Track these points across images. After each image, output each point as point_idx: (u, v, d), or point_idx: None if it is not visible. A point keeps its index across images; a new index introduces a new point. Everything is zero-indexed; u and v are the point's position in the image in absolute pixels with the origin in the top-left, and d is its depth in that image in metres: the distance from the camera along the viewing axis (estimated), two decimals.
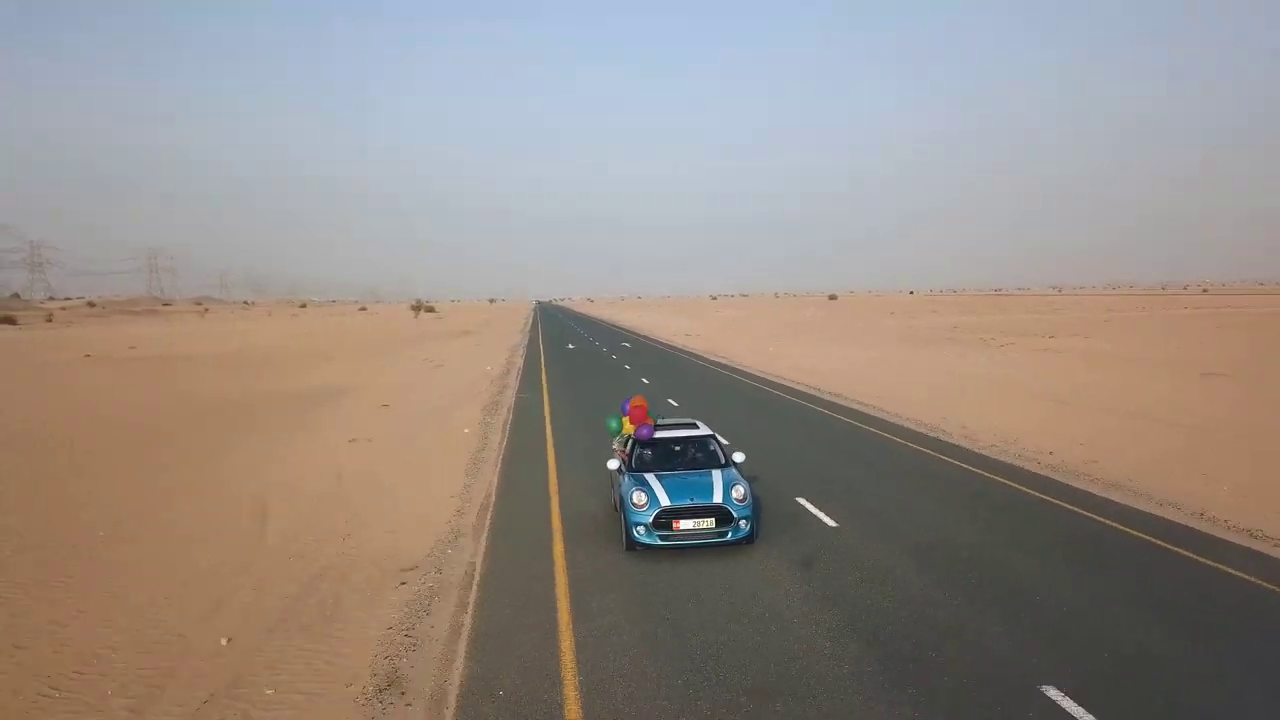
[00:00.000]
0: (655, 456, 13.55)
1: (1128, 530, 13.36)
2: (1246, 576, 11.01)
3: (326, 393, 37.12)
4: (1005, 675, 8.33)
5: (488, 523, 14.64)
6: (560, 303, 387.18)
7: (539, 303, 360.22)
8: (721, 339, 72.88)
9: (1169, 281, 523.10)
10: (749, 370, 43.57)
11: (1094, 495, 15.60)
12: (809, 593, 10.76)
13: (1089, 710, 7.57)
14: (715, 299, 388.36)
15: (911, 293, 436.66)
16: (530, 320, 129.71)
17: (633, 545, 12.24)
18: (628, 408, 14.46)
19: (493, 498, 16.43)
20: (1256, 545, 12.38)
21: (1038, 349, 52.40)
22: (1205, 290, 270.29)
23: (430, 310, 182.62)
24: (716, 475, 12.70)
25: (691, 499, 12.15)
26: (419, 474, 19.25)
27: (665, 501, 12.07)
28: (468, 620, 10.22)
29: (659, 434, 13.95)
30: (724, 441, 14.65)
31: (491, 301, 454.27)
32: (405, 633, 9.96)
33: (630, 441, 14.01)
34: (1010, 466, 18.40)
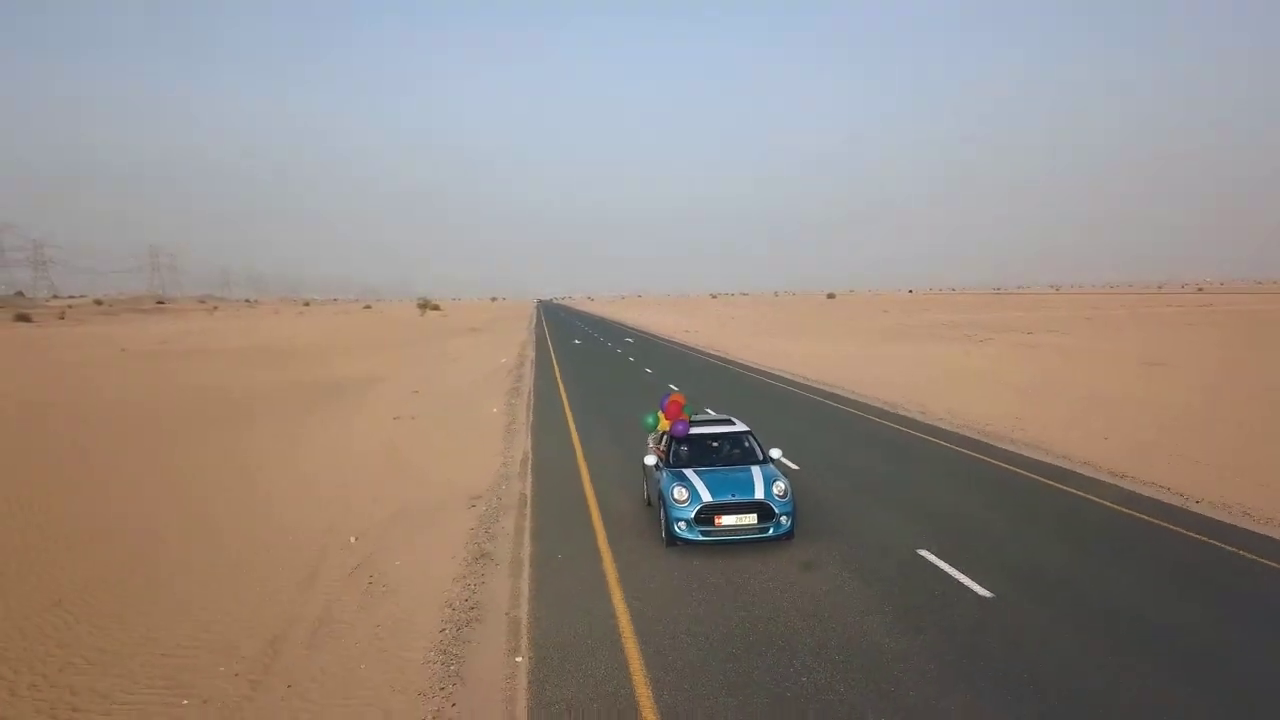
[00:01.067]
0: (693, 452, 13.58)
1: (1011, 468, 17.51)
2: (1080, 492, 15.20)
3: (361, 381, 41.19)
4: (892, 542, 12.47)
5: (529, 471, 18.75)
6: (561, 301, 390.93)
7: (540, 301, 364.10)
8: (719, 335, 76.97)
9: (1169, 281, 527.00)
10: (741, 361, 47.68)
11: (995, 448, 19.79)
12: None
13: (946, 559, 11.68)
14: (715, 297, 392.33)
15: (910, 291, 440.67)
16: (534, 318, 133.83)
17: (673, 541, 12.31)
18: (665, 404, 14.44)
19: (529, 455, 20.54)
20: (1096, 475, 16.67)
21: (1014, 344, 56.41)
22: (1200, 289, 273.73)
23: (435, 309, 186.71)
24: (756, 471, 12.82)
25: (733, 494, 12.23)
26: (462, 441, 23.33)
27: (707, 497, 12.15)
28: (527, 523, 14.34)
29: (695, 430, 13.97)
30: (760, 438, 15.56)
31: (493, 300, 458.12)
32: (484, 530, 14.07)
33: (666, 438, 14.01)
34: (942, 430, 22.61)
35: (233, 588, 12.05)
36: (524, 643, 9.47)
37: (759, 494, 12.20)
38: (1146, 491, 15.57)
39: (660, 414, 14.57)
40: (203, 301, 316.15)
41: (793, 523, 12.41)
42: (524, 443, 22.33)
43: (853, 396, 30.57)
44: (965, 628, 9.46)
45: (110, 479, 19.68)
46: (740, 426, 14.39)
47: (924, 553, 11.94)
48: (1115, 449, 19.26)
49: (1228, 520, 13.63)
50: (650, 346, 63.50)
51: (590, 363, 48.56)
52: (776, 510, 12.16)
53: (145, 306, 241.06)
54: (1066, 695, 7.86)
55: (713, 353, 55.22)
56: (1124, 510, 14.32)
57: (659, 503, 12.99)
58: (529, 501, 15.93)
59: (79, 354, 62.92)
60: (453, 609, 10.61)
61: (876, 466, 18.23)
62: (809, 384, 35.41)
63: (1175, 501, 14.85)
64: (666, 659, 8.87)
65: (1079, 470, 17.47)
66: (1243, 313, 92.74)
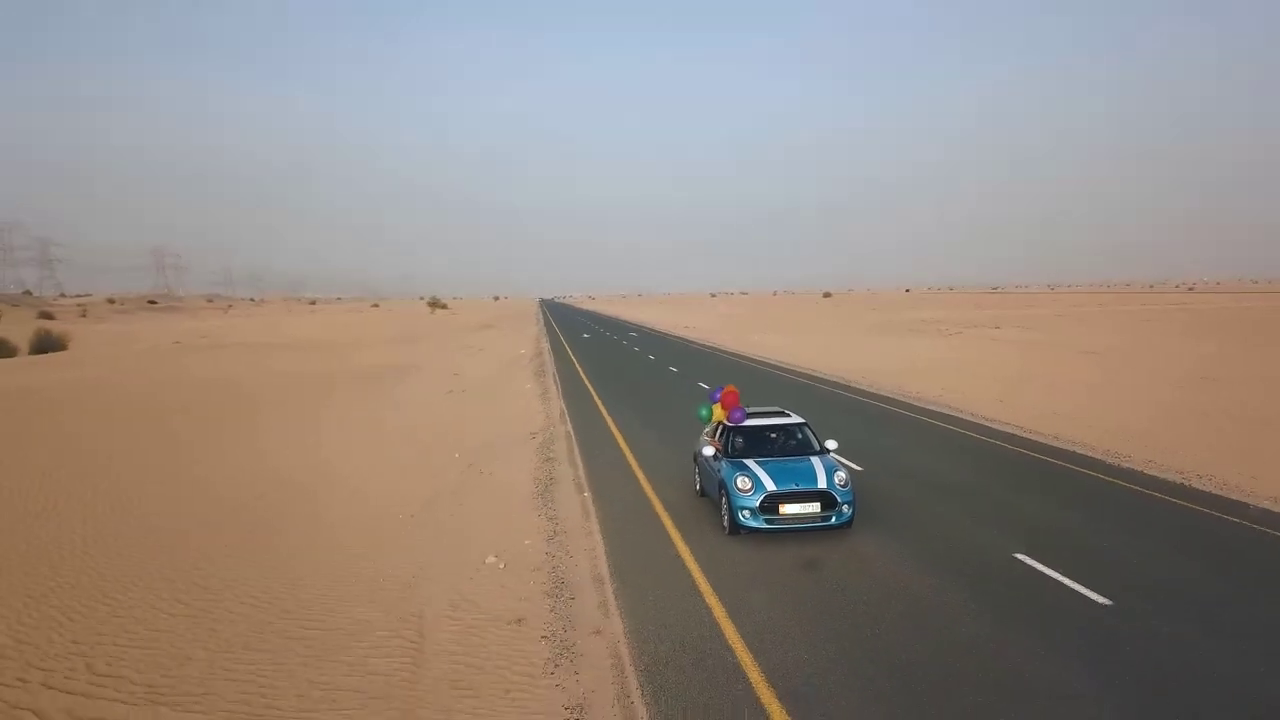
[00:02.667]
0: (751, 443, 13.96)
1: (918, 417, 24.14)
2: (953, 428, 21.85)
3: (403, 368, 47.73)
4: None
5: (566, 420, 25.38)
6: (563, 300, 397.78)
7: (542, 300, 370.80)
8: (715, 330, 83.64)
9: (1166, 280, 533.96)
10: (732, 350, 54.36)
11: (929, 409, 26.40)
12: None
13: (847, 457, 18.30)
14: (714, 296, 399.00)
15: (908, 290, 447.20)
16: (540, 316, 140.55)
17: (737, 529, 12.64)
18: (719, 396, 14.88)
19: (565, 412, 27.18)
20: (975, 420, 23.32)
21: (979, 338, 62.98)
22: (1191, 289, 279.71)
23: (443, 307, 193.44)
24: (817, 461, 13.20)
25: (796, 484, 12.53)
26: (508, 406, 29.89)
27: (771, 486, 12.45)
28: (576, 449, 20.95)
29: (751, 421, 14.43)
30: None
31: (496, 299, 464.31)
32: (545, 448, 20.71)
33: (722, 429, 14.48)
34: (879, 395, 29.30)
35: (395, 482, 18.64)
36: (586, 490, 16.15)
37: (822, 484, 12.55)
38: (1004, 429, 22.25)
39: (715, 406, 14.95)
40: (211, 300, 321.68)
41: (853, 512, 12.72)
42: (558, 405, 28.96)
43: (815, 374, 37.20)
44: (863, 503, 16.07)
45: (287, 428, 26.28)
46: (796, 419, 14.74)
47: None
48: (1004, 408, 25.90)
49: (1052, 444, 20.31)
50: (651, 339, 70.24)
51: (601, 352, 55.29)
52: (839, 499, 12.50)
53: (159, 305, 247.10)
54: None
55: (708, 344, 61.99)
56: (976, 436, 21.08)
57: (720, 492, 13.29)
58: (571, 435, 22.58)
59: (138, 346, 69.49)
60: (537, 480, 17.27)
61: (813, 416, 24.72)
62: (781, 365, 42.06)
63: (1020, 434, 21.53)
64: (652, 470, 15.53)
65: (964, 417, 24.14)
66: (1206, 310, 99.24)
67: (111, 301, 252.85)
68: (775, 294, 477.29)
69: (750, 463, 13.12)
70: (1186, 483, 16.07)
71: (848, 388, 32.65)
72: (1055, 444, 20.06)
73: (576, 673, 8.57)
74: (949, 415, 24.61)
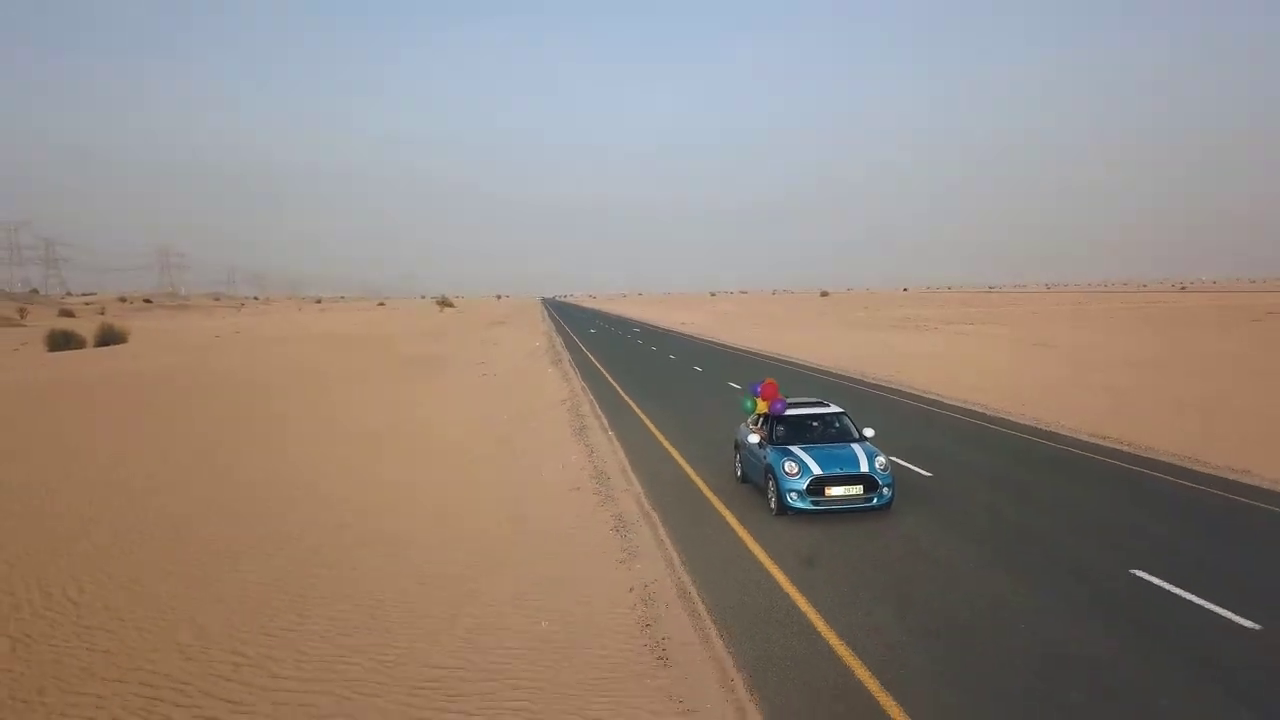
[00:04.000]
0: (794, 431, 14.86)
1: (869, 390, 30.72)
2: (897, 397, 28.48)
3: (435, 359, 54.24)
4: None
5: (588, 392, 31.96)
6: (564, 299, 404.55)
7: (544, 299, 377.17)
8: (711, 327, 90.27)
9: (1162, 279, 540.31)
10: (724, 342, 61.04)
11: (884, 385, 33.02)
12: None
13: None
14: (714, 295, 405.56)
15: (905, 290, 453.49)
16: (545, 314, 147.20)
17: (784, 510, 13.54)
18: (759, 389, 15.83)
19: (586, 387, 33.74)
20: (920, 394, 29.92)
21: (950, 333, 69.50)
22: (1183, 288, 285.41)
23: (450, 305, 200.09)
24: (857, 448, 14.11)
25: (840, 468, 13.48)
26: (536, 384, 36.43)
27: (817, 470, 13.38)
28: (599, 408, 27.53)
29: (793, 411, 15.36)
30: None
31: (499, 297, 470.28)
32: (575, 409, 27.26)
33: (764, 419, 15.40)
34: (842, 374, 35.89)
35: (473, 430, 25.19)
36: (610, 431, 22.79)
37: (864, 468, 13.53)
38: (926, 395, 28.84)
39: (756, 398, 15.90)
40: (218, 299, 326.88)
41: (892, 494, 13.68)
42: (578, 383, 35.54)
43: (789, 358, 43.83)
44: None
45: (377, 401, 32.81)
46: (835, 408, 15.79)
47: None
48: (947, 387, 32.47)
49: (979, 410, 26.91)
50: (653, 334, 76.98)
51: (608, 345, 61.95)
52: (880, 482, 13.44)
53: (171, 304, 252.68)
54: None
55: (703, 337, 68.69)
56: (897, 399, 27.60)
57: (767, 477, 14.21)
58: (594, 402, 29.18)
59: (187, 340, 76.07)
60: (572, 427, 23.85)
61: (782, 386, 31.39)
62: (760, 353, 48.72)
63: (937, 398, 28.12)
64: (662, 424, 22.16)
65: (898, 388, 30.74)
66: (1175, 308, 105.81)
67: (122, 300, 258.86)
68: (774, 293, 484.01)
69: (795, 449, 14.05)
70: (1036, 425, 22.65)
71: (815, 368, 39.26)
72: (961, 404, 26.63)
73: (616, 507, 15.13)
74: (886, 387, 31.22)
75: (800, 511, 13.41)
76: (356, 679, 8.59)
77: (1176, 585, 10.31)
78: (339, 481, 18.16)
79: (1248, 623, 9.19)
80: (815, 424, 15.19)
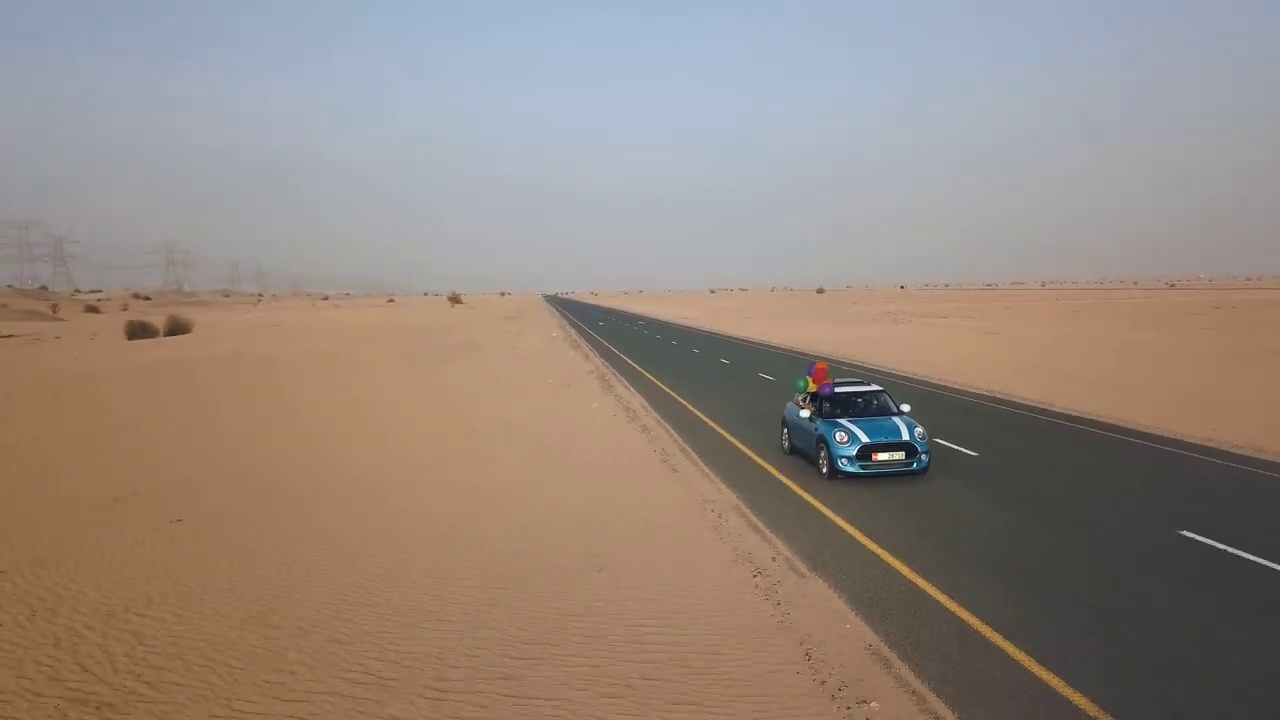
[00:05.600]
0: (841, 407, 16.86)
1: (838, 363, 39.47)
2: (862, 368, 37.20)
3: (470, 345, 62.75)
4: (748, 369, 34.43)
5: (609, 365, 40.57)
6: (566, 296, 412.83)
7: (546, 296, 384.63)
8: (708, 321, 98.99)
9: (1159, 278, 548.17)
10: (718, 331, 69.67)
11: (845, 361, 41.68)
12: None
13: (771, 375, 33.49)
14: (714, 292, 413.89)
15: (903, 287, 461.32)
16: (552, 310, 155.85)
17: (836, 474, 15.57)
18: (813, 371, 17.81)
19: (604, 362, 42.37)
20: (878, 368, 38.60)
21: (923, 325, 78.00)
22: (1172, 285, 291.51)
23: (460, 302, 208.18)
24: (898, 420, 16.21)
25: (885, 437, 15.54)
26: (564, 361, 44.96)
27: (865, 439, 15.46)
28: (620, 374, 36.21)
29: (840, 390, 17.37)
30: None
31: (502, 294, 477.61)
32: (600, 376, 35.93)
33: (813, 397, 17.45)
34: (818, 355, 44.55)
35: (533, 387, 33.76)
36: (632, 389, 31.50)
37: (905, 437, 15.57)
38: (884, 368, 37.46)
39: (808, 379, 17.80)
40: (227, 295, 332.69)
41: (929, 460, 15.74)
42: (598, 361, 44.17)
43: (769, 342, 52.47)
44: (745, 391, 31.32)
45: (448, 373, 41.36)
46: (876, 387, 17.82)
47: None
48: (887, 360, 41.11)
49: (900, 374, 35.55)
50: (657, 326, 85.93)
51: (617, 334, 70.76)
52: (919, 449, 15.51)
53: (187, 300, 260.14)
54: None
55: (701, 329, 77.48)
56: (877, 373, 36.29)
57: (818, 446, 16.18)
58: (616, 373, 37.79)
59: (239, 331, 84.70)
60: (601, 386, 32.49)
61: (761, 363, 40.08)
62: (751, 339, 57.39)
63: (886, 370, 36.73)
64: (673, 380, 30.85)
65: (850, 360, 39.37)
66: (1138, 305, 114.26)
67: (137, 297, 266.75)
68: (773, 290, 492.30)
69: (844, 421, 16.00)
70: (933, 380, 31.23)
71: (784, 349, 47.90)
72: (893, 371, 35.21)
73: (644, 427, 23.59)
74: (830, 357, 39.93)
75: (850, 475, 15.48)
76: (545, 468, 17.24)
77: (993, 472, 18.92)
78: (500, 407, 26.82)
79: (971, 451, 17.86)
80: (859, 400, 17.22)
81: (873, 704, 7.64)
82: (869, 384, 18.20)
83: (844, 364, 39.32)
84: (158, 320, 75.41)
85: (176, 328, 72.64)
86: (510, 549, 12.25)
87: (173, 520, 14.10)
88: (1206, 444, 18.97)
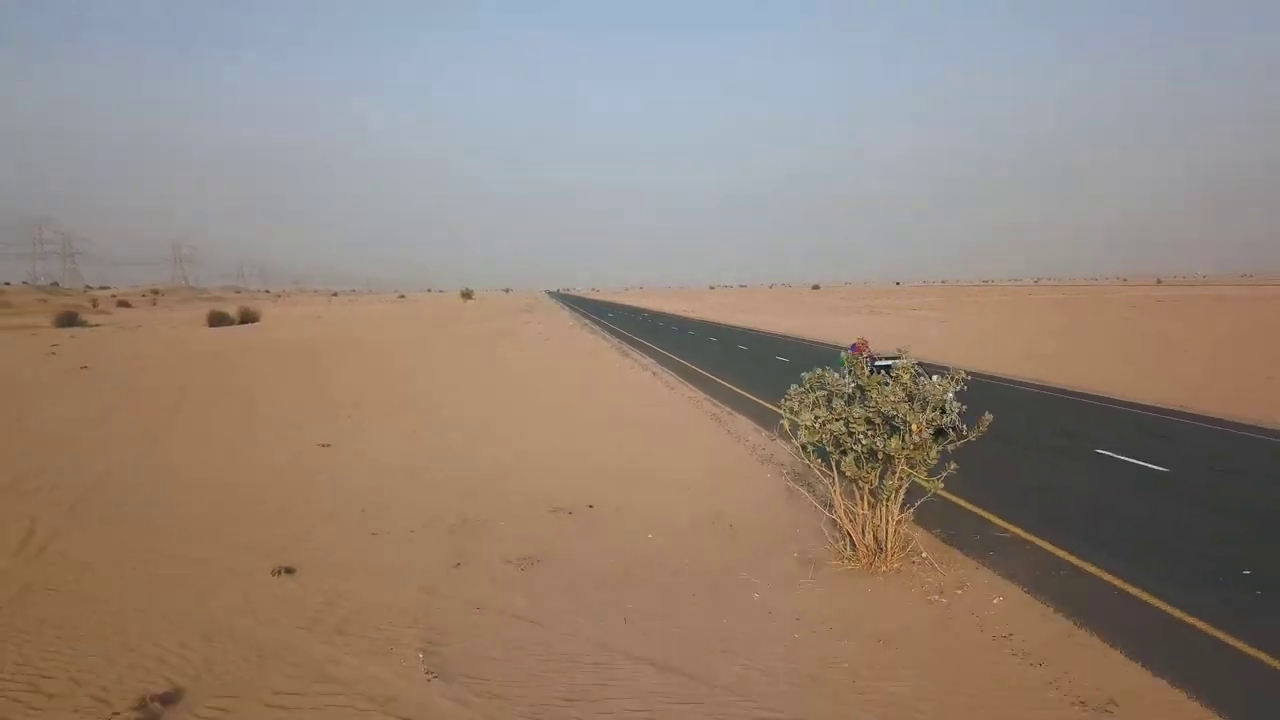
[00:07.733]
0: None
1: (789, 340, 50.90)
2: (814, 346, 48.76)
3: (500, 332, 74.11)
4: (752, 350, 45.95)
5: (624, 344, 51.99)
6: (568, 292, 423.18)
7: (548, 292, 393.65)
8: (705, 313, 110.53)
9: (1153, 276, 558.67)
10: (711, 320, 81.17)
11: (792, 335, 53.16)
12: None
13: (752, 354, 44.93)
14: (713, 289, 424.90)
15: (899, 284, 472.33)
16: (559, 304, 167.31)
17: None
18: (856, 348, 20.28)
19: (619, 344, 53.75)
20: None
21: (894, 316, 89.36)
22: (1159, 282, 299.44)
23: (470, 297, 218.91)
24: None
25: None
26: (588, 343, 56.17)
27: None
28: (632, 348, 47.65)
29: (879, 364, 18.65)
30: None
31: (506, 291, 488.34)
32: (619, 349, 47.36)
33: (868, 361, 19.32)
34: (786, 337, 56.04)
35: (571, 357, 45.11)
36: (648, 359, 42.97)
37: None
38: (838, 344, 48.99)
39: (850, 354, 19.52)
40: (238, 291, 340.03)
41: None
42: (615, 342, 55.49)
43: (754, 328, 63.93)
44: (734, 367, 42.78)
45: (506, 353, 52.69)
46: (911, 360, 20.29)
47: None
48: (840, 339, 52.51)
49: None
50: (660, 316, 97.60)
51: (626, 323, 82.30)
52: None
53: (204, 296, 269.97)
54: None
55: (698, 318, 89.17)
56: (803, 342, 47.74)
57: None
58: (624, 348, 49.15)
59: (288, 322, 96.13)
60: (619, 354, 43.90)
61: (748, 342, 51.57)
62: (738, 326, 68.92)
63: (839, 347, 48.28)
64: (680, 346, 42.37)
65: (808, 339, 50.87)
66: (1098, 300, 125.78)
67: (155, 292, 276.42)
68: (770, 286, 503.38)
69: None
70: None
71: (764, 334, 59.32)
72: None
73: (669, 384, 34.87)
74: (791, 336, 51.42)
75: None
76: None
77: None
78: (556, 374, 38.11)
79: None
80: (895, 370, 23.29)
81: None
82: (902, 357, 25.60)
83: (807, 342, 50.73)
84: (231, 310, 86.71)
85: (248, 317, 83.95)
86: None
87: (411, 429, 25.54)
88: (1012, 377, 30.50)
